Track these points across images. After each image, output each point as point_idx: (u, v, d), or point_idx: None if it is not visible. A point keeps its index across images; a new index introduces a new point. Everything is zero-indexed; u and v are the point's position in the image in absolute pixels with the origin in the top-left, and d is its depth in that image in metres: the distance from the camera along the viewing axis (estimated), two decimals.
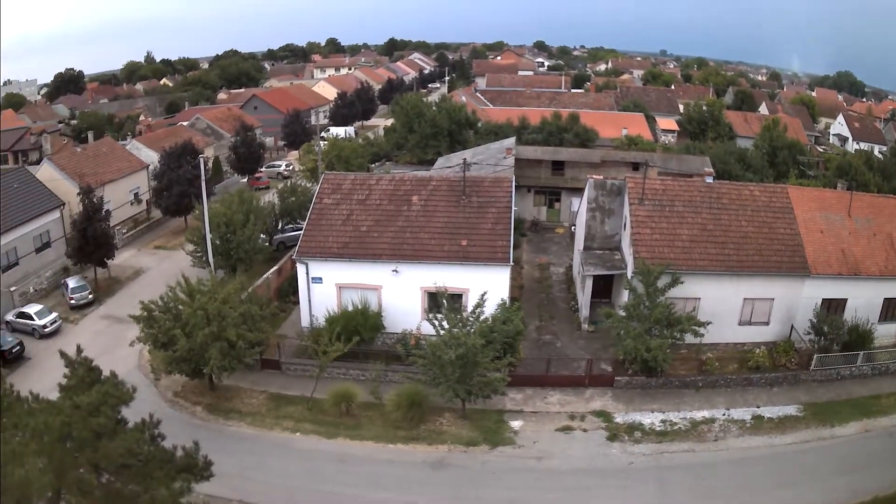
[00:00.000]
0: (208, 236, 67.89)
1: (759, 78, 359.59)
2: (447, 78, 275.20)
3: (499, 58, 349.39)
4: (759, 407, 52.48)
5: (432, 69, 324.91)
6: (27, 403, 30.61)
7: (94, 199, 74.91)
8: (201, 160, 72.88)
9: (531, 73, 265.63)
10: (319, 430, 50.99)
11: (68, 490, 29.24)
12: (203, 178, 70.19)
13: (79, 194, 75.78)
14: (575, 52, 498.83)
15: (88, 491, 29.40)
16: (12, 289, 72.80)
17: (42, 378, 53.67)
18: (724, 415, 51.67)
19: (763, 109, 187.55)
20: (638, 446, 48.49)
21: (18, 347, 63.03)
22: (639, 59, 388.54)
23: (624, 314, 55.40)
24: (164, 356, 52.81)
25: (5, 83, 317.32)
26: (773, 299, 58.87)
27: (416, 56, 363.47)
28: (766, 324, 59.63)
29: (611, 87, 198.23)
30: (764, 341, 59.03)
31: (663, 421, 51.03)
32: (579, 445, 48.81)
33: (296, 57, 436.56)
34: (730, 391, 54.75)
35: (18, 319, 67.83)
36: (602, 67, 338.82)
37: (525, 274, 75.98)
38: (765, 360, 56.51)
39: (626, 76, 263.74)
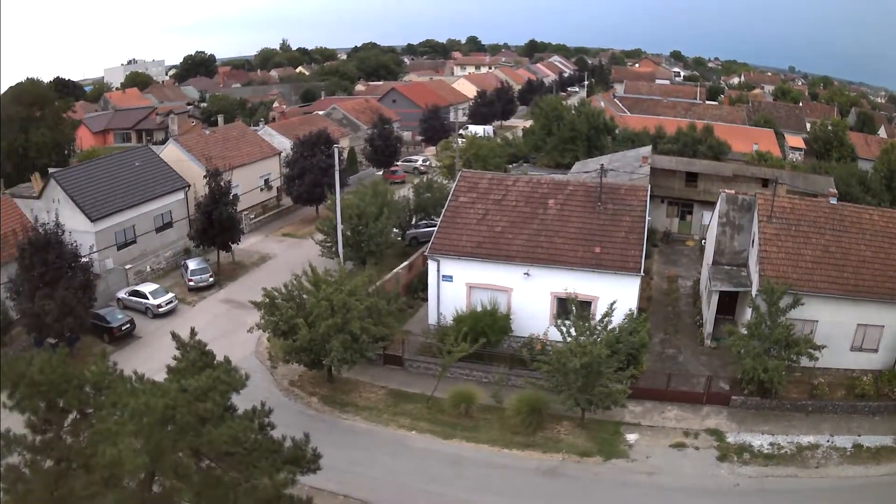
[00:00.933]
0: (339, 227, 67.87)
1: (879, 100, 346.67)
2: (586, 82, 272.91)
3: (636, 65, 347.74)
4: (860, 435, 50.61)
5: (571, 73, 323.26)
6: (130, 383, 29.90)
7: (222, 183, 75.06)
8: (336, 150, 72.39)
9: (667, 82, 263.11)
10: (436, 429, 50.46)
11: (164, 473, 28.44)
12: (337, 168, 69.89)
13: (205, 177, 76.06)
14: (710, 64, 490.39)
15: (185, 475, 28.59)
16: (127, 266, 73.76)
17: (151, 358, 54.74)
18: (827, 441, 50.01)
19: (882, 132, 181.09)
20: (745, 468, 47.19)
21: (129, 325, 63.54)
22: (769, 74, 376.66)
23: (745, 332, 54.02)
24: (284, 345, 52.94)
25: (130, 62, 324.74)
26: (883, 326, 56.47)
27: (556, 59, 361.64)
28: (875, 351, 57.16)
29: (743, 101, 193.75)
30: (872, 369, 56.89)
31: (771, 444, 49.56)
32: (690, 463, 47.68)
33: (436, 53, 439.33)
34: (836, 417, 52.93)
35: (131, 297, 68.49)
36: (735, 80, 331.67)
37: (654, 285, 74.37)
38: (870, 388, 54.49)
39: (757, 91, 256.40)
